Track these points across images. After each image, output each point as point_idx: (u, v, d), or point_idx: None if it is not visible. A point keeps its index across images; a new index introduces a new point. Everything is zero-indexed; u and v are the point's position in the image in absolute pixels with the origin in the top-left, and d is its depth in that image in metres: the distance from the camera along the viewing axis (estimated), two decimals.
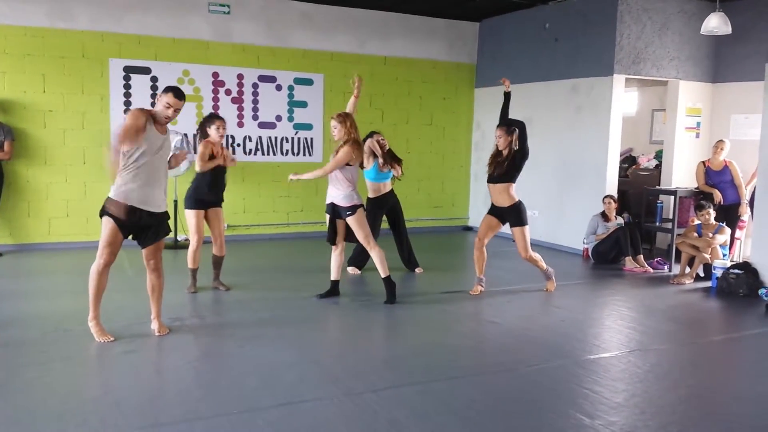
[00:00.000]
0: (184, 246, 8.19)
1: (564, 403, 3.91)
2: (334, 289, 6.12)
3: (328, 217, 6.01)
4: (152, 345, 4.77)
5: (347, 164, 5.78)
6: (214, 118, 6.20)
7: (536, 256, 6.47)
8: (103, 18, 8.30)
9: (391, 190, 7.22)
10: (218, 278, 6.43)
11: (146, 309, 5.06)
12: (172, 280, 6.18)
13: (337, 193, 5.84)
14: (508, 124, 6.23)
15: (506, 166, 6.17)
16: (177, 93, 4.62)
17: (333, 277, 6.12)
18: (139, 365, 4.50)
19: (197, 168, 6.04)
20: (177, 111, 4.65)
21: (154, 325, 4.96)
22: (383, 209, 7.17)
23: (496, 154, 6.26)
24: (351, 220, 5.83)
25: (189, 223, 6.15)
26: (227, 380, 4.13)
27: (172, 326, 5.14)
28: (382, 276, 5.97)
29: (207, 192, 6.14)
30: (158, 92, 4.72)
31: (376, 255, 5.92)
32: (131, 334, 4.91)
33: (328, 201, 5.96)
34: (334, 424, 3.56)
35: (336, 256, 6.10)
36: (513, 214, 6.27)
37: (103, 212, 4.60)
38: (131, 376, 4.28)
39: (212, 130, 6.10)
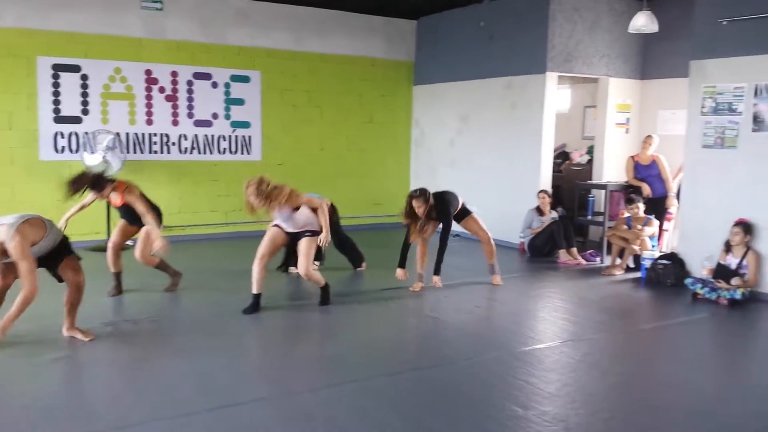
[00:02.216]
0: (123, 247, 8.01)
1: (499, 395, 4.00)
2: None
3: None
4: (82, 351, 4.65)
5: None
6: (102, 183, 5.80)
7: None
8: (31, 15, 8.01)
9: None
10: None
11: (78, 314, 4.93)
12: (105, 283, 6.07)
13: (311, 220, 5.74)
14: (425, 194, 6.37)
15: (432, 226, 6.44)
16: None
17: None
18: (68, 372, 4.39)
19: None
20: None
21: (73, 333, 4.84)
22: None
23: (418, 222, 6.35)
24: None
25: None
26: (160, 385, 4.07)
27: (104, 331, 5.02)
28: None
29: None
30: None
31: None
32: (60, 341, 4.77)
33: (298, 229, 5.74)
34: (270, 425, 3.54)
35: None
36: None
37: None
38: (61, 384, 4.18)
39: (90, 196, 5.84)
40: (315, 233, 5.71)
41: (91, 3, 8.32)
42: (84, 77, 8.37)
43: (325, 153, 10.12)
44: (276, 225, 5.76)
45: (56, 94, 8.24)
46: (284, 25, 9.57)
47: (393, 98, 10.65)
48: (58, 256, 4.69)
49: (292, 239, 5.77)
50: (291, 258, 7.03)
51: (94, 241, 8.28)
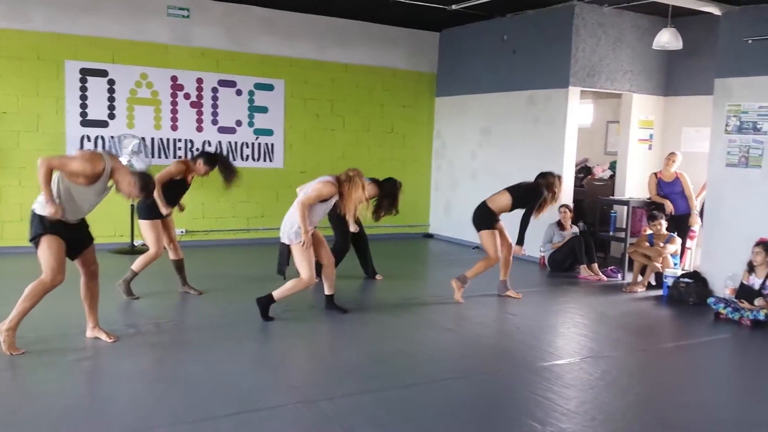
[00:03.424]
0: (141, 251, 8.09)
1: (517, 410, 3.98)
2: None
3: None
4: (105, 352, 4.71)
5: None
6: (215, 162, 6.15)
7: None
8: (60, 19, 8.16)
9: None
10: (187, 282, 6.40)
11: (100, 315, 4.98)
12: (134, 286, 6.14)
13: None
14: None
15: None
16: (147, 192, 4.76)
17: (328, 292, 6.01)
18: (91, 373, 4.45)
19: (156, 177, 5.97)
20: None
21: (98, 334, 4.88)
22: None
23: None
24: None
25: (147, 235, 6.05)
26: (181, 389, 4.10)
27: (127, 333, 5.08)
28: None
29: (171, 203, 6.12)
30: (139, 173, 4.74)
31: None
32: (83, 342, 4.84)
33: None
34: None
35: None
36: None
37: (41, 230, 4.45)
38: (83, 384, 4.23)
39: (203, 168, 6.09)
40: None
41: (119, 9, 8.45)
42: (111, 82, 8.49)
43: (347, 162, 10.11)
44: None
45: (83, 98, 8.37)
46: (308, 35, 9.65)
47: (415, 109, 10.68)
48: (83, 243, 4.71)
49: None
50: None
51: (117, 243, 8.38)
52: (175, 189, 6.10)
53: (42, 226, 4.44)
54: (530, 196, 6.51)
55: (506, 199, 6.52)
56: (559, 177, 6.69)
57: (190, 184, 6.28)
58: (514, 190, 6.59)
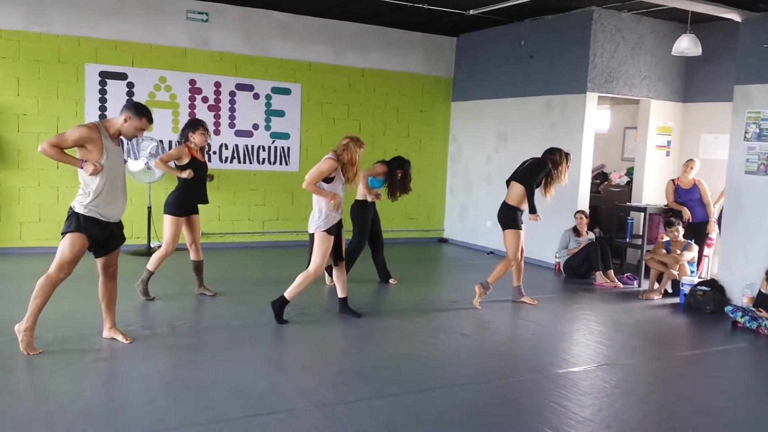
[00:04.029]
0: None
1: (532, 417, 3.96)
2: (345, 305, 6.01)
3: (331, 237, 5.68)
4: (122, 353, 4.74)
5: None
6: (198, 124, 6.23)
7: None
8: (80, 23, 8.25)
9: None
10: (203, 284, 6.44)
11: (116, 316, 5.02)
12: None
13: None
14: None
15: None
16: (150, 119, 4.71)
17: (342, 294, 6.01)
18: (108, 373, 4.48)
19: (155, 164, 6.04)
20: (142, 133, 4.76)
21: (114, 335, 4.92)
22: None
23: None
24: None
25: (166, 229, 6.09)
26: (196, 390, 4.13)
27: (143, 335, 5.11)
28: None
29: (193, 197, 6.16)
30: (127, 104, 4.72)
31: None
32: (100, 342, 4.88)
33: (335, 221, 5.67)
34: None
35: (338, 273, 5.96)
36: None
37: (73, 227, 4.52)
38: (100, 385, 4.27)
39: (197, 136, 6.13)
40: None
41: (139, 13, 8.53)
42: (130, 85, 8.57)
43: (362, 166, 10.05)
44: (326, 231, 5.67)
45: (103, 100, 8.45)
46: (325, 39, 9.68)
47: (431, 114, 10.68)
48: (115, 243, 4.76)
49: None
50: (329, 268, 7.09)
51: (133, 245, 8.44)
52: (196, 173, 6.11)
53: (77, 224, 4.51)
54: (534, 168, 6.51)
55: (517, 188, 6.48)
56: (567, 154, 6.63)
57: (205, 162, 6.30)
58: (520, 173, 6.56)
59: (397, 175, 7.09)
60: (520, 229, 6.49)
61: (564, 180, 6.61)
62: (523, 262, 6.73)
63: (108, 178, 4.54)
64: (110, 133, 4.60)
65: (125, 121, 4.60)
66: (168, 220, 6.10)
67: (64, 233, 4.57)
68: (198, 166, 6.17)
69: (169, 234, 6.08)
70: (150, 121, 4.69)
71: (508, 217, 6.51)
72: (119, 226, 4.78)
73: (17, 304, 5.85)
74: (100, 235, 4.59)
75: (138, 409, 3.83)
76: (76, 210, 4.53)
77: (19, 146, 8.10)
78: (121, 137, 4.69)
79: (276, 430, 3.60)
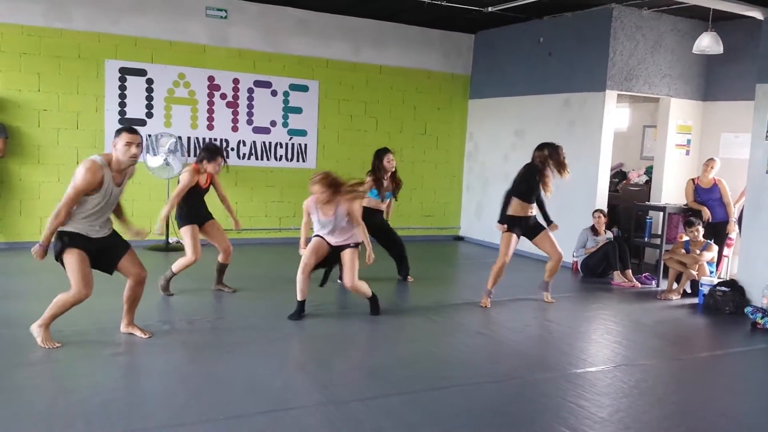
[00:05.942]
0: (176, 248, 8.21)
1: (549, 417, 3.94)
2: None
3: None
4: (140, 348, 4.78)
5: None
6: (217, 154, 6.24)
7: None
8: (100, 19, 8.31)
9: (381, 212, 7.30)
10: (222, 281, 6.54)
11: (137, 310, 5.06)
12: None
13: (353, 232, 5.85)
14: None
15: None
16: (130, 129, 4.57)
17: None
18: (126, 368, 4.52)
19: (170, 201, 6.13)
20: (139, 146, 4.56)
21: (132, 330, 4.96)
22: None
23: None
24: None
25: (186, 241, 6.14)
26: (213, 386, 4.15)
27: (161, 330, 5.15)
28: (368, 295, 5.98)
29: (198, 208, 6.23)
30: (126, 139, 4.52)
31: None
32: (118, 337, 4.92)
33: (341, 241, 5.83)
34: None
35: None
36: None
37: (59, 247, 4.53)
38: (119, 379, 4.30)
39: (211, 165, 6.17)
40: (358, 244, 5.82)
41: (159, 9, 8.58)
42: (149, 81, 8.62)
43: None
44: (318, 236, 5.81)
45: (122, 96, 8.51)
46: (343, 36, 9.68)
47: (448, 111, 10.65)
48: (115, 253, 4.76)
49: (333, 252, 5.82)
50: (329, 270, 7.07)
51: (152, 241, 8.49)
52: (193, 195, 6.16)
53: (62, 243, 4.52)
54: (516, 179, 6.46)
55: (514, 202, 6.43)
56: (555, 147, 6.36)
57: (207, 188, 6.30)
58: (514, 185, 6.49)
59: (379, 173, 7.10)
60: (512, 233, 6.43)
61: (565, 175, 6.40)
62: (504, 271, 6.53)
63: (98, 208, 4.54)
64: (112, 167, 4.54)
65: (114, 146, 4.53)
66: (183, 231, 6.18)
67: (57, 257, 4.57)
68: (196, 190, 6.18)
69: (189, 242, 6.11)
70: (130, 131, 4.53)
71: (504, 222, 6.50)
72: (112, 235, 4.75)
73: (37, 299, 5.92)
74: (90, 248, 4.58)
75: (156, 404, 3.86)
76: (59, 230, 4.52)
77: (39, 141, 8.17)
78: (123, 169, 4.58)
79: (292, 427, 3.61)
